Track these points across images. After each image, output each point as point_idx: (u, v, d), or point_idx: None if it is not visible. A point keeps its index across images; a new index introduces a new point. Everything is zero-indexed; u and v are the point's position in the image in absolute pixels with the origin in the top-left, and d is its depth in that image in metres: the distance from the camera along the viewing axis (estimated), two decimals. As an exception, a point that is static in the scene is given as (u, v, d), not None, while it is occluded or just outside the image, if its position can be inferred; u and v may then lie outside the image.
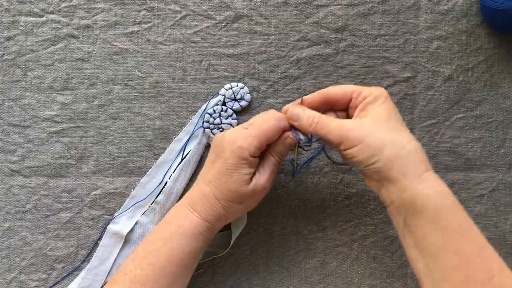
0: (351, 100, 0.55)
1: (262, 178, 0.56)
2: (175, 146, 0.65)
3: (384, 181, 0.51)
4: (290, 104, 0.57)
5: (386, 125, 0.51)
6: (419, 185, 0.49)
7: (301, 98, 0.57)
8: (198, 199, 0.57)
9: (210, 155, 0.58)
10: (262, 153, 0.57)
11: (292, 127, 0.56)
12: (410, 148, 0.50)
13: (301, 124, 0.55)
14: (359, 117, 0.53)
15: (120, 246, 0.64)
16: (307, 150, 0.59)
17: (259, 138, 0.55)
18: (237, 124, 0.64)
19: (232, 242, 0.63)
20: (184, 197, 0.59)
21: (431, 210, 0.48)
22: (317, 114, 0.54)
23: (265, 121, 0.56)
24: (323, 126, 0.53)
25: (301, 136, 0.56)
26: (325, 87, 0.65)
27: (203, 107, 0.65)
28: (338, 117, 0.56)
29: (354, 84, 0.65)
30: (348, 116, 0.56)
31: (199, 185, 0.58)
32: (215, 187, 0.56)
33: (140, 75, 0.65)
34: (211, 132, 0.64)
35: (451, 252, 0.48)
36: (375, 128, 0.51)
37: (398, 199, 0.50)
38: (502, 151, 0.66)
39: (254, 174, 0.56)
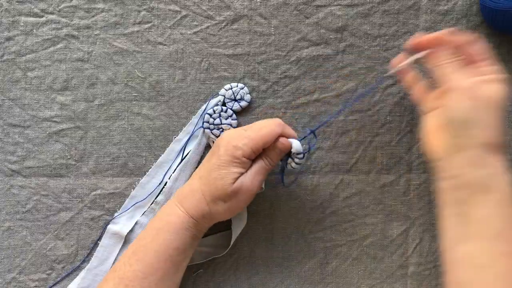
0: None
1: (247, 178, 0.56)
2: (175, 146, 0.65)
3: (466, 151, 0.50)
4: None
5: (475, 104, 0.50)
6: (495, 169, 0.49)
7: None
8: (186, 194, 0.57)
9: (208, 153, 0.59)
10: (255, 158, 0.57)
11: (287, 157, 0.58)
12: (495, 134, 0.50)
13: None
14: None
15: (120, 246, 0.64)
16: (298, 164, 0.59)
17: (255, 140, 0.55)
18: (237, 125, 0.64)
19: (232, 242, 0.63)
20: (175, 192, 0.60)
21: (502, 193, 0.48)
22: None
23: (265, 125, 0.57)
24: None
25: (294, 145, 0.57)
26: (325, 87, 0.65)
27: (203, 107, 0.65)
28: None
29: (356, 82, 0.65)
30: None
31: (192, 179, 0.59)
32: (204, 183, 0.56)
33: (140, 75, 0.65)
34: (211, 132, 0.64)
35: (509, 240, 0.47)
36: (466, 99, 0.50)
37: (469, 173, 0.49)
38: (502, 151, 0.66)
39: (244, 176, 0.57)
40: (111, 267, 0.63)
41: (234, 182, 0.55)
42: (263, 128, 0.56)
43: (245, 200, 0.57)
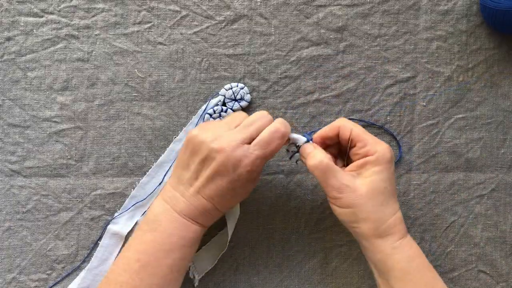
0: (350, 140, 0.56)
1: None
2: (175, 146, 0.65)
3: (360, 239, 0.56)
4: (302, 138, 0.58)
5: (379, 197, 0.54)
6: (391, 251, 0.54)
7: (312, 137, 0.58)
8: (200, 214, 0.56)
9: (195, 157, 0.55)
10: None
11: (297, 151, 0.58)
12: (391, 222, 0.54)
13: (306, 163, 0.56)
14: (357, 173, 0.55)
15: (120, 246, 0.64)
16: (289, 158, 0.60)
17: (266, 158, 0.55)
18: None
19: (229, 237, 0.63)
20: (169, 202, 0.57)
21: (399, 271, 0.53)
22: (320, 158, 0.55)
23: (271, 140, 0.55)
24: (324, 176, 0.55)
25: (297, 161, 0.59)
26: (325, 87, 0.65)
27: (203, 107, 0.65)
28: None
29: (356, 82, 0.65)
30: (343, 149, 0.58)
31: (198, 199, 0.56)
32: (219, 203, 0.56)
33: (140, 75, 0.65)
34: (211, 132, 0.64)
35: None
36: (368, 199, 0.54)
37: (370, 256, 0.56)
38: (502, 151, 0.66)
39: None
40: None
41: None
42: (270, 143, 0.55)
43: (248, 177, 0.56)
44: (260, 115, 0.56)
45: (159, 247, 0.55)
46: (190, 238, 0.56)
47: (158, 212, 0.56)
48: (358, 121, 0.65)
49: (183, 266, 0.56)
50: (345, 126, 0.57)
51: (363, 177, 0.55)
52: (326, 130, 0.58)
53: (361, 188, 0.54)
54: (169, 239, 0.55)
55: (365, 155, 0.55)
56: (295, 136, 0.57)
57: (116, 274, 0.56)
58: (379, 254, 0.54)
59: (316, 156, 0.55)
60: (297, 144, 0.58)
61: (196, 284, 0.64)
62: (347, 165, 0.57)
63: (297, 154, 0.58)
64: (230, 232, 0.63)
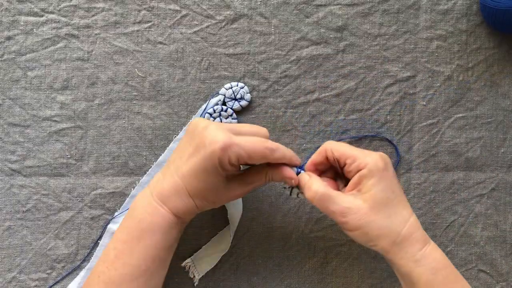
0: (337, 160, 0.56)
1: (240, 188, 0.56)
2: (175, 145, 0.65)
3: (383, 255, 0.54)
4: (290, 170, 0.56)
5: (384, 209, 0.53)
6: (413, 263, 0.52)
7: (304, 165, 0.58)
8: (170, 194, 0.54)
9: (187, 143, 0.54)
10: (256, 167, 0.56)
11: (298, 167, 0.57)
12: (406, 231, 0.52)
13: (305, 194, 0.55)
14: (356, 191, 0.54)
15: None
16: (290, 194, 0.58)
17: (244, 152, 0.52)
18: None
19: (231, 235, 0.63)
20: (151, 185, 0.56)
21: (424, 285, 0.52)
22: (316, 187, 0.54)
23: (257, 142, 0.53)
24: (324, 204, 0.53)
25: (298, 195, 0.58)
26: (325, 87, 0.65)
27: (203, 106, 0.65)
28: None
29: (356, 82, 0.65)
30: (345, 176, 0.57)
31: (172, 177, 0.54)
32: (190, 184, 0.54)
33: (140, 74, 0.65)
34: (211, 131, 0.64)
35: None
36: (373, 214, 0.52)
37: (396, 270, 0.54)
38: (502, 150, 0.66)
39: (236, 179, 0.55)
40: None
41: (224, 187, 0.54)
42: (254, 144, 0.53)
43: (234, 199, 0.57)
44: (261, 128, 0.56)
45: (132, 234, 0.55)
46: (159, 224, 0.54)
47: (138, 197, 0.56)
48: (349, 138, 0.65)
49: (157, 257, 0.55)
50: (330, 148, 0.56)
51: (362, 193, 0.53)
52: (314, 157, 0.57)
53: (363, 206, 0.52)
54: (140, 225, 0.55)
55: (358, 170, 0.54)
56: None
57: (97, 264, 0.56)
58: (403, 268, 0.53)
59: (311, 186, 0.54)
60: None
61: (196, 283, 0.64)
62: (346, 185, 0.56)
63: (295, 189, 0.57)
64: (232, 233, 0.63)
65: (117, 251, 0.55)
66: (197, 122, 0.54)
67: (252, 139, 0.53)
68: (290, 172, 0.55)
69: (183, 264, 0.64)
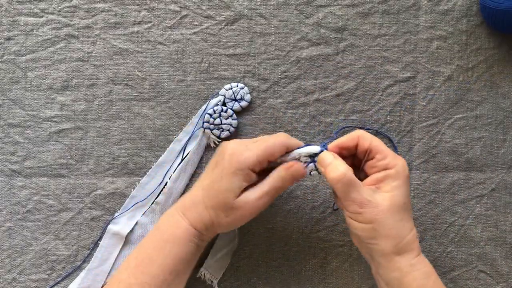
0: (368, 152, 0.55)
1: (253, 194, 0.55)
2: (175, 146, 0.65)
3: (376, 257, 0.54)
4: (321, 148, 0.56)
5: (399, 213, 0.53)
6: (408, 268, 0.53)
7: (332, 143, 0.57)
8: (190, 206, 0.56)
9: (213, 160, 0.57)
10: (266, 173, 0.56)
11: (311, 161, 0.56)
12: (410, 238, 0.53)
13: (325, 174, 0.54)
14: (376, 187, 0.54)
15: (120, 246, 0.64)
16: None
17: (260, 151, 0.54)
18: (237, 125, 0.64)
19: (236, 233, 0.64)
20: (178, 201, 0.58)
21: None
22: (343, 171, 0.53)
23: (271, 138, 0.56)
24: (346, 190, 0.53)
25: (311, 172, 0.56)
26: (325, 87, 0.65)
27: (203, 107, 0.65)
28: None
29: (356, 82, 0.65)
30: (355, 162, 0.57)
31: (195, 190, 0.57)
32: (207, 194, 0.55)
33: (140, 75, 0.65)
34: (211, 132, 0.64)
35: None
36: (389, 215, 0.52)
37: (385, 274, 0.54)
38: (502, 151, 0.66)
39: (250, 188, 0.55)
40: (111, 267, 0.63)
41: (237, 196, 0.54)
42: (268, 140, 0.55)
43: (248, 216, 0.55)
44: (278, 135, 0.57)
45: (153, 245, 0.56)
46: (179, 236, 0.55)
47: (166, 211, 0.59)
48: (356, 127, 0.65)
49: (175, 269, 0.55)
50: (364, 137, 0.55)
51: (383, 191, 0.53)
52: (344, 140, 0.56)
53: (382, 203, 0.52)
54: (162, 236, 0.56)
55: (385, 168, 0.54)
56: (308, 147, 0.56)
57: (118, 272, 0.57)
58: (395, 272, 0.53)
59: (338, 167, 0.53)
60: (311, 154, 0.56)
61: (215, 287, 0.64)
62: (360, 178, 0.55)
63: (311, 164, 0.56)
64: (237, 229, 0.64)
65: (138, 261, 0.56)
66: (224, 142, 0.57)
67: (265, 138, 0.56)
68: (311, 146, 0.56)
69: (198, 275, 0.64)
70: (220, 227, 0.56)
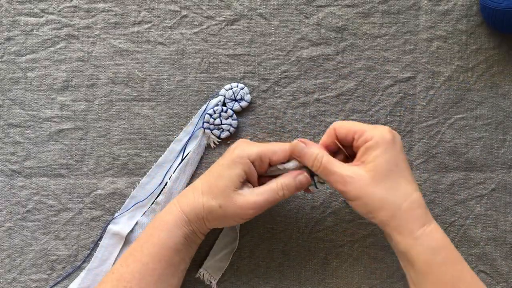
0: (352, 138, 0.55)
1: (253, 195, 0.55)
2: (175, 146, 0.65)
3: (382, 229, 0.53)
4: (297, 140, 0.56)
5: (386, 181, 0.51)
6: (412, 241, 0.51)
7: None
8: (186, 192, 0.57)
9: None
10: (270, 178, 0.57)
11: (311, 174, 0.56)
12: (407, 206, 0.51)
13: (303, 161, 0.55)
14: (360, 162, 0.53)
15: (120, 246, 0.64)
16: (318, 188, 0.58)
17: (263, 147, 0.55)
18: (237, 125, 0.65)
19: (237, 234, 0.64)
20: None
21: (423, 264, 0.50)
22: (320, 154, 0.53)
23: (277, 143, 0.58)
24: (326, 172, 0.53)
25: (316, 185, 0.57)
26: (325, 87, 0.65)
27: (203, 107, 0.65)
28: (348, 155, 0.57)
29: (356, 82, 0.65)
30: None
31: (195, 181, 0.59)
32: (206, 181, 0.56)
33: (140, 75, 0.65)
34: (211, 132, 0.64)
35: None
36: (374, 184, 0.51)
37: (394, 247, 0.53)
38: (502, 151, 0.66)
39: (247, 186, 0.56)
40: (111, 267, 0.64)
41: (236, 187, 0.54)
42: (275, 142, 0.57)
43: (242, 215, 0.55)
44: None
45: (145, 232, 0.57)
46: (167, 221, 0.56)
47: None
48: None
49: (164, 257, 0.55)
50: (340, 126, 0.55)
51: (366, 164, 0.52)
52: (324, 139, 0.56)
53: (365, 176, 0.51)
54: (153, 223, 0.57)
55: (365, 143, 0.53)
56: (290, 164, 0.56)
57: (115, 263, 0.59)
58: (400, 245, 0.51)
59: (310, 151, 0.54)
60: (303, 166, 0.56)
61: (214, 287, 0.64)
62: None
63: (316, 177, 0.56)
64: (237, 229, 0.64)
65: (132, 249, 0.57)
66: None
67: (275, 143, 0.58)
68: (305, 176, 0.56)
69: (197, 276, 0.64)
70: (210, 220, 0.56)
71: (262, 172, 0.57)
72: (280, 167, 0.56)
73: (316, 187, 0.57)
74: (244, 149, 0.55)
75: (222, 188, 0.55)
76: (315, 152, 0.54)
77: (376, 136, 0.52)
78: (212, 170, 0.57)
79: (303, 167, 0.56)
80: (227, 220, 0.56)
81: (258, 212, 0.55)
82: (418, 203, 0.52)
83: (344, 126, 0.55)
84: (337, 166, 0.53)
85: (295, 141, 0.55)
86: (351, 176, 0.52)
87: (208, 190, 0.55)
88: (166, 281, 0.56)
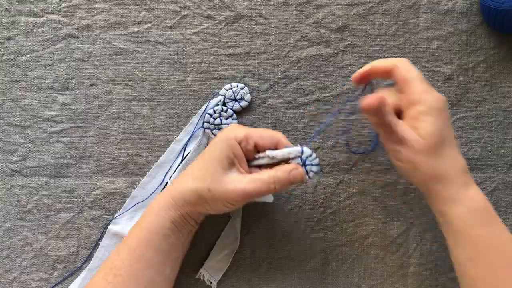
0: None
1: (243, 182, 0.54)
2: (175, 146, 0.65)
3: (421, 189, 0.55)
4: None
5: (438, 149, 0.52)
6: (451, 202, 0.53)
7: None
8: (178, 178, 0.57)
9: None
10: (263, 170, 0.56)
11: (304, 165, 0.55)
12: (454, 173, 0.53)
13: (364, 103, 0.52)
14: (413, 127, 0.53)
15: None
16: (317, 168, 0.56)
17: (250, 130, 0.56)
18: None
19: (238, 234, 0.64)
20: None
21: (461, 225, 0.52)
22: (386, 99, 0.52)
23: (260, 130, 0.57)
24: (387, 121, 0.53)
25: (310, 174, 0.55)
26: (325, 87, 0.65)
27: (203, 107, 0.65)
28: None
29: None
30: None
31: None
32: (195, 165, 0.56)
33: (140, 75, 0.65)
34: (212, 132, 0.64)
35: (478, 265, 0.52)
36: (428, 152, 0.52)
37: (432, 208, 0.55)
38: (502, 151, 0.66)
39: (237, 170, 0.55)
40: None
41: (225, 169, 0.54)
42: (263, 129, 0.57)
43: (229, 200, 0.54)
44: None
45: (138, 219, 0.57)
46: (153, 207, 0.56)
47: None
48: (349, 139, 0.65)
49: (150, 243, 0.54)
50: (402, 68, 0.54)
51: (419, 129, 0.53)
52: (378, 63, 0.56)
53: (421, 142, 0.52)
54: (145, 210, 0.57)
55: (416, 104, 0.53)
56: (290, 148, 0.55)
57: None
58: (440, 206, 0.53)
59: (375, 95, 0.52)
60: (296, 156, 0.55)
61: None
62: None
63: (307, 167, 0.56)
64: (238, 229, 0.64)
65: (124, 237, 0.57)
66: None
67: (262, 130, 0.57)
68: (298, 170, 0.55)
69: (197, 276, 0.64)
70: (200, 204, 0.55)
71: (250, 157, 0.56)
72: (269, 153, 0.55)
73: (309, 177, 0.56)
74: (232, 130, 0.56)
75: (211, 170, 0.54)
76: (380, 94, 0.53)
77: (429, 101, 0.53)
78: (202, 154, 0.57)
79: (292, 158, 0.55)
80: (216, 204, 0.55)
81: (247, 200, 0.55)
82: (463, 169, 0.54)
83: (402, 71, 0.54)
84: (399, 125, 0.53)
85: (381, 96, 0.53)
86: (409, 139, 0.52)
87: (197, 173, 0.55)
88: (156, 270, 0.55)
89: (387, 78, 0.56)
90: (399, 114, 0.55)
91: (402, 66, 0.54)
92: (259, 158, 0.56)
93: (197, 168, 0.55)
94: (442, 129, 0.53)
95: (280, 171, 0.54)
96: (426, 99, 0.53)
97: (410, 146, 0.52)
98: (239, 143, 0.55)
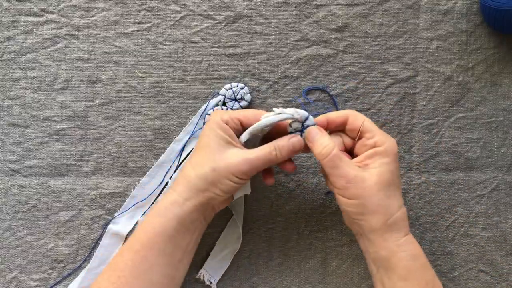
0: (360, 131, 0.56)
1: (244, 152, 0.54)
2: (175, 146, 0.65)
3: (365, 234, 0.55)
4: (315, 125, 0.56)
5: (386, 190, 0.53)
6: (396, 248, 0.53)
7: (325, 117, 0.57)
8: (179, 176, 0.56)
9: None
10: (264, 141, 0.57)
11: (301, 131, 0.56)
12: (397, 216, 0.54)
13: (313, 149, 0.55)
14: (364, 165, 0.54)
15: (120, 246, 0.64)
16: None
17: (233, 111, 0.57)
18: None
19: (240, 235, 0.64)
20: None
21: (403, 270, 0.53)
22: (330, 145, 0.54)
23: (251, 111, 0.58)
24: (332, 165, 0.53)
25: (301, 113, 0.55)
26: (325, 87, 0.65)
27: (203, 107, 0.65)
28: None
29: (356, 82, 0.65)
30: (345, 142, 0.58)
31: None
32: (192, 157, 0.56)
33: (140, 75, 0.65)
34: (211, 132, 0.64)
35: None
36: (376, 191, 0.53)
37: (374, 253, 0.55)
38: (502, 151, 0.66)
39: (238, 148, 0.55)
40: None
41: (221, 146, 0.54)
42: (248, 109, 0.59)
43: (234, 172, 0.54)
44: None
45: (144, 220, 0.57)
46: (159, 205, 0.55)
47: None
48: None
49: (155, 245, 0.54)
50: (356, 116, 0.56)
51: (371, 168, 0.54)
52: (333, 115, 0.57)
53: (370, 178, 0.53)
54: (150, 211, 0.58)
55: (374, 146, 0.55)
56: (298, 111, 0.55)
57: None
58: (383, 251, 0.53)
59: (325, 143, 0.54)
60: (302, 122, 0.55)
61: None
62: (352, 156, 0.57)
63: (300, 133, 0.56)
64: (240, 229, 0.64)
65: (128, 239, 0.57)
66: None
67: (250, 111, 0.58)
68: (300, 110, 0.55)
69: (197, 276, 0.64)
70: (207, 189, 0.54)
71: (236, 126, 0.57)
72: (276, 110, 0.55)
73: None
74: (217, 114, 0.56)
75: (210, 154, 0.54)
76: (326, 142, 0.54)
77: (387, 144, 0.54)
78: (197, 145, 0.57)
79: (295, 120, 0.55)
80: (223, 182, 0.54)
81: (250, 170, 0.54)
82: (405, 215, 0.55)
83: (360, 119, 0.56)
84: (345, 162, 0.54)
85: (311, 128, 0.55)
86: (357, 175, 0.53)
87: (197, 161, 0.55)
88: (160, 271, 0.54)
89: (341, 128, 0.58)
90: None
91: (357, 116, 0.56)
92: (266, 117, 0.55)
93: (195, 159, 0.56)
94: (393, 171, 0.54)
95: (279, 140, 0.56)
96: (385, 141, 0.54)
97: (358, 182, 0.53)
98: (226, 124, 0.56)
